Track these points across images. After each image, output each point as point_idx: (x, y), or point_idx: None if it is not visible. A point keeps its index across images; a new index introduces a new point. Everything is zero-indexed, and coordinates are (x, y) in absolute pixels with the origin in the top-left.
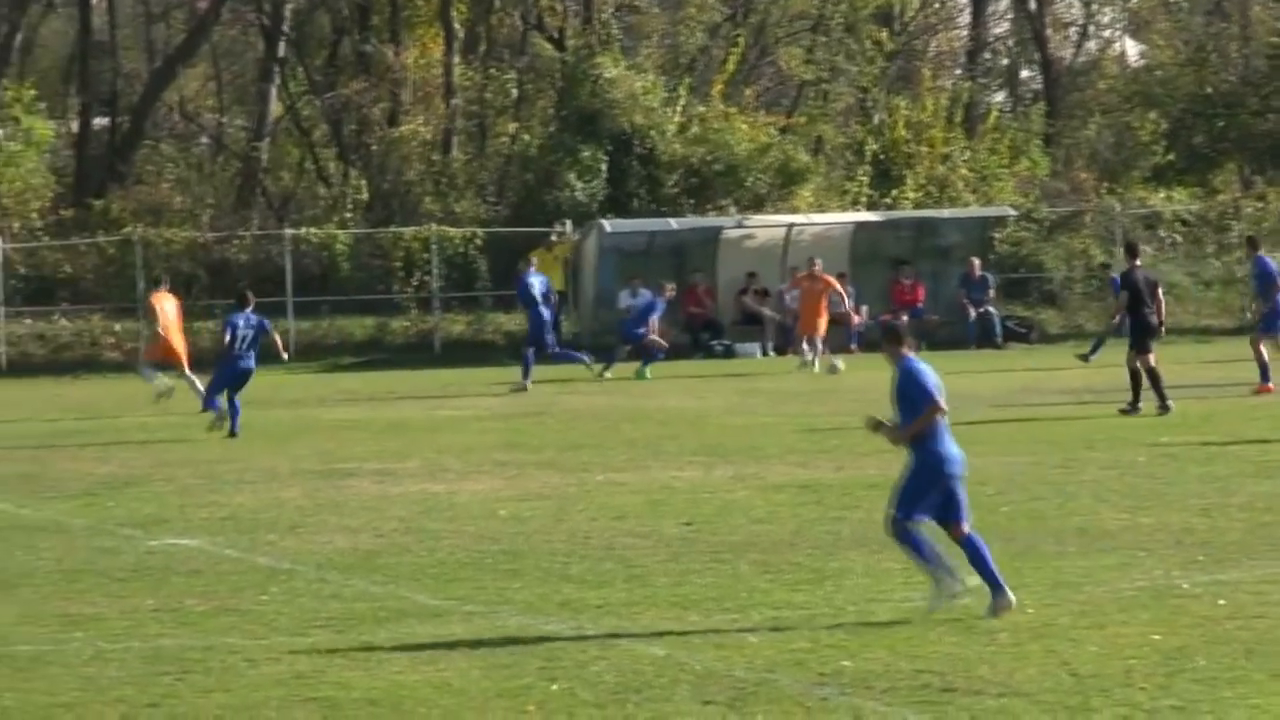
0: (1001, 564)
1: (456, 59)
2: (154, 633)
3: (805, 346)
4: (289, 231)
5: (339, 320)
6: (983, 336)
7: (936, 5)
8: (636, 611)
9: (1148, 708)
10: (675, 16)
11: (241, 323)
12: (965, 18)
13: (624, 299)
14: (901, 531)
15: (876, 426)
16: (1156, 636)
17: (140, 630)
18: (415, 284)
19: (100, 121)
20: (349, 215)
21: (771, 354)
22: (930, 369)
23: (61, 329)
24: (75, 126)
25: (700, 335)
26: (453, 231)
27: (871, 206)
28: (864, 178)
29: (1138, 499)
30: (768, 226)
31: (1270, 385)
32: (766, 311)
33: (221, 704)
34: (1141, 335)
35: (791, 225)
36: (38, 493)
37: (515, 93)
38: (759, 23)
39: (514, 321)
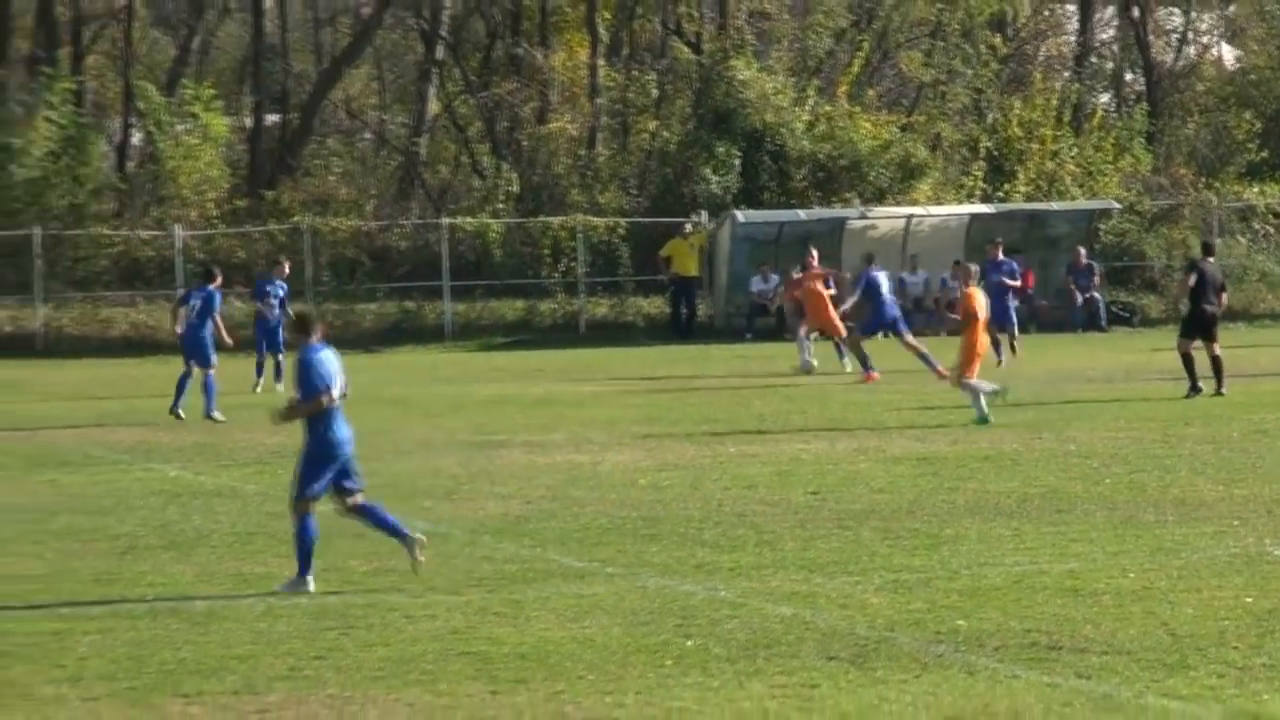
0: (1104, 531)
1: (601, 61)
2: (320, 590)
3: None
4: (446, 221)
5: (491, 303)
6: (1088, 320)
7: (1046, 13)
8: (766, 574)
9: (1240, 665)
10: (804, 22)
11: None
12: (1073, 24)
13: (755, 284)
14: (299, 511)
15: (278, 415)
16: (1249, 599)
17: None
18: (562, 270)
19: (272, 118)
20: (501, 206)
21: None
22: (330, 359)
23: (235, 310)
24: (249, 123)
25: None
26: (597, 221)
27: (985, 199)
28: (978, 172)
29: (1232, 472)
30: (889, 218)
31: None
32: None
33: (382, 657)
34: (1193, 324)
35: (911, 216)
36: (214, 461)
37: (655, 93)
38: (881, 28)
39: (653, 305)
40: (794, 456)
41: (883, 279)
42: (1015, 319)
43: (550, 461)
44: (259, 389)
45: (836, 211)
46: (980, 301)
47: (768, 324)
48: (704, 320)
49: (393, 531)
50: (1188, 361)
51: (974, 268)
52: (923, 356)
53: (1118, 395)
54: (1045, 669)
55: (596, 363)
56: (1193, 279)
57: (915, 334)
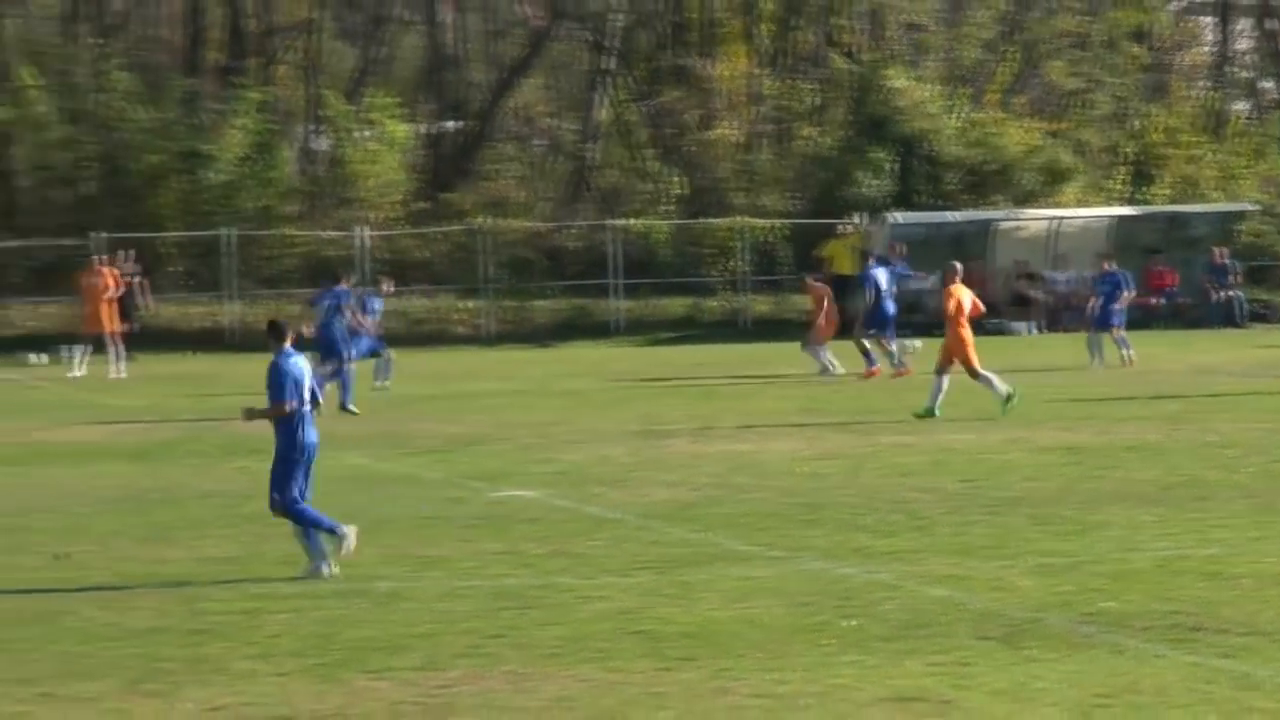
0: (1244, 518)
1: (761, 71)
2: (498, 573)
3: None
4: (615, 222)
5: (658, 300)
6: (1226, 317)
7: (1185, 24)
8: (921, 557)
9: None
10: (955, 33)
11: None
12: (1211, 35)
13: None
14: (291, 510)
15: (248, 414)
16: None
17: (485, 570)
18: (726, 268)
19: (450, 125)
20: (667, 208)
21: (1041, 332)
22: (298, 367)
23: (415, 306)
24: (428, 129)
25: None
26: (758, 222)
27: (1128, 202)
28: (1121, 176)
29: None
30: (1036, 219)
31: None
32: (1036, 294)
33: (558, 635)
34: None
35: (1057, 218)
36: (396, 449)
37: (813, 100)
38: (1028, 39)
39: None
40: (946, 446)
41: (882, 277)
42: (1118, 321)
43: (715, 450)
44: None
45: (986, 213)
46: (960, 299)
47: (919, 320)
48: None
49: (328, 529)
50: None
51: (958, 266)
52: (865, 354)
53: (1256, 389)
54: (1188, 649)
55: (758, 357)
56: None
57: (1063, 331)
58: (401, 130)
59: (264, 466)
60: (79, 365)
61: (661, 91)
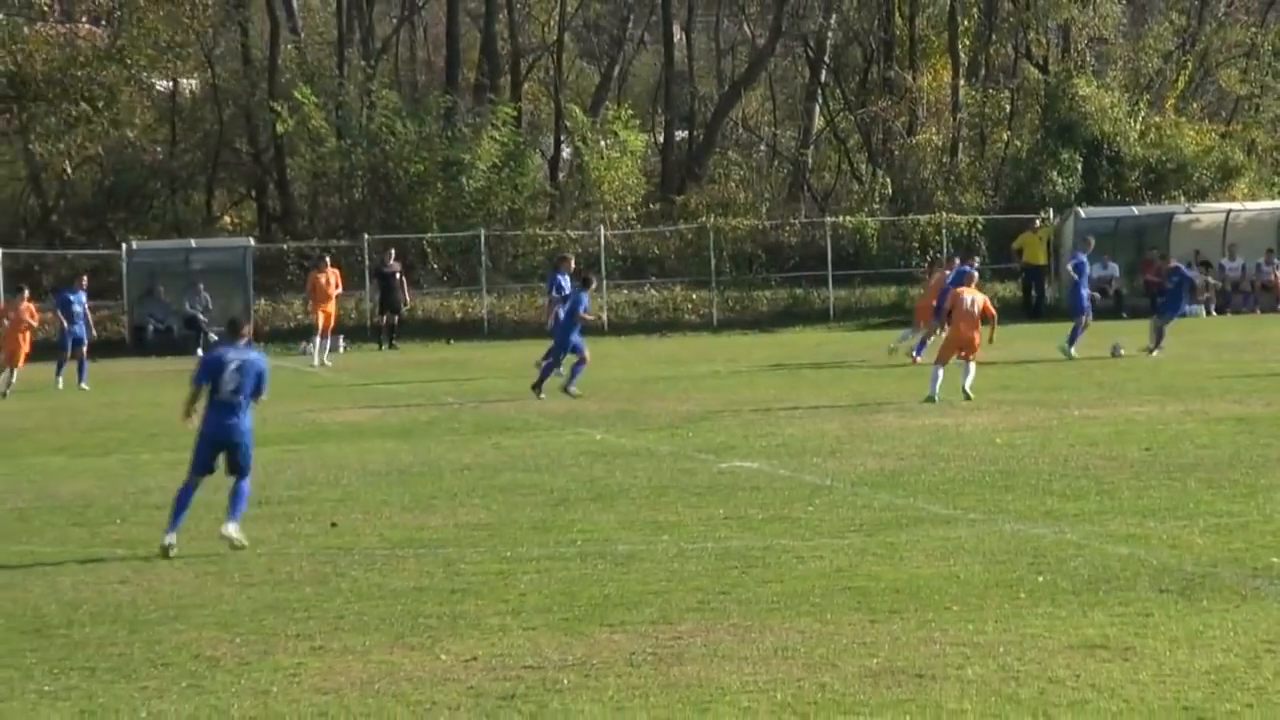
0: None
1: (961, 81)
2: (723, 536)
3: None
4: (829, 219)
5: (869, 289)
6: None
7: None
8: (1106, 518)
9: None
10: (1136, 45)
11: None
12: None
13: (1097, 270)
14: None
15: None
16: None
17: (713, 534)
18: (929, 260)
19: (680, 134)
20: (876, 206)
21: (1214, 313)
22: (234, 359)
23: (650, 297)
24: (661, 138)
25: (1156, 299)
26: (959, 218)
27: None
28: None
29: None
30: (1210, 213)
31: None
32: (1210, 279)
33: (777, 592)
34: None
35: (1229, 211)
36: (633, 426)
37: (1008, 107)
38: (1203, 49)
39: (1007, 290)
40: (1129, 418)
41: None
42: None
43: (919, 424)
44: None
45: (1165, 207)
46: (958, 298)
47: (1106, 304)
48: (1051, 303)
49: (175, 519)
50: None
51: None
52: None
53: None
54: None
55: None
56: None
57: (1233, 312)
58: (637, 139)
59: (514, 442)
60: (320, 356)
61: (871, 101)
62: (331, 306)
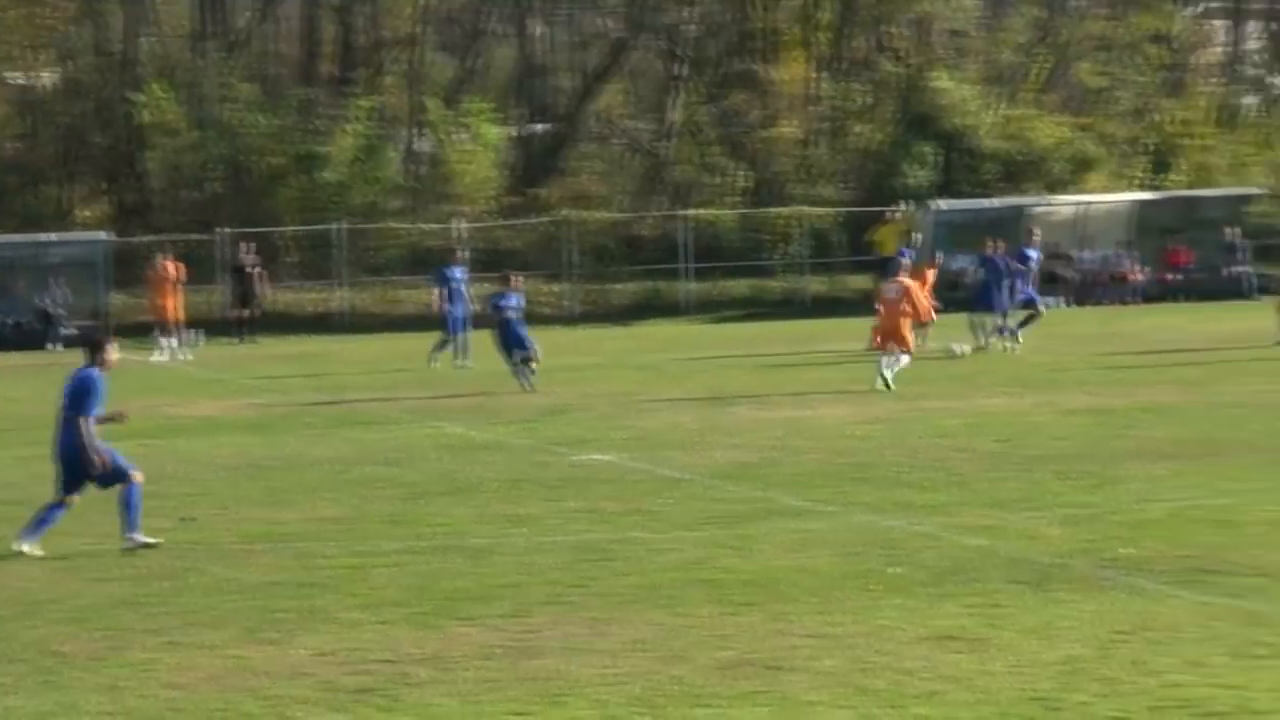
0: (1252, 471)
1: (818, 74)
2: (578, 529)
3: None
4: (686, 212)
5: (725, 282)
6: (1235, 291)
7: (1200, 27)
8: (959, 510)
9: None
10: (993, 37)
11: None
12: (1223, 36)
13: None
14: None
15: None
16: None
17: (567, 527)
18: (786, 253)
19: (538, 127)
20: (733, 199)
21: (1070, 306)
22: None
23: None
24: (519, 132)
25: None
26: (815, 211)
27: (1148, 188)
28: (1142, 165)
29: None
30: (1065, 204)
31: None
32: (1065, 272)
33: (631, 585)
34: None
35: (1085, 203)
36: (488, 419)
37: (865, 100)
38: (1059, 42)
39: (864, 282)
40: (983, 410)
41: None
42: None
43: (774, 416)
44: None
45: (1020, 199)
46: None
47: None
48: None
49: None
50: None
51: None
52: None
53: (1262, 355)
54: (1199, 589)
55: (815, 332)
56: None
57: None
58: (494, 133)
59: (370, 436)
60: (170, 352)
61: (728, 94)
62: (174, 300)
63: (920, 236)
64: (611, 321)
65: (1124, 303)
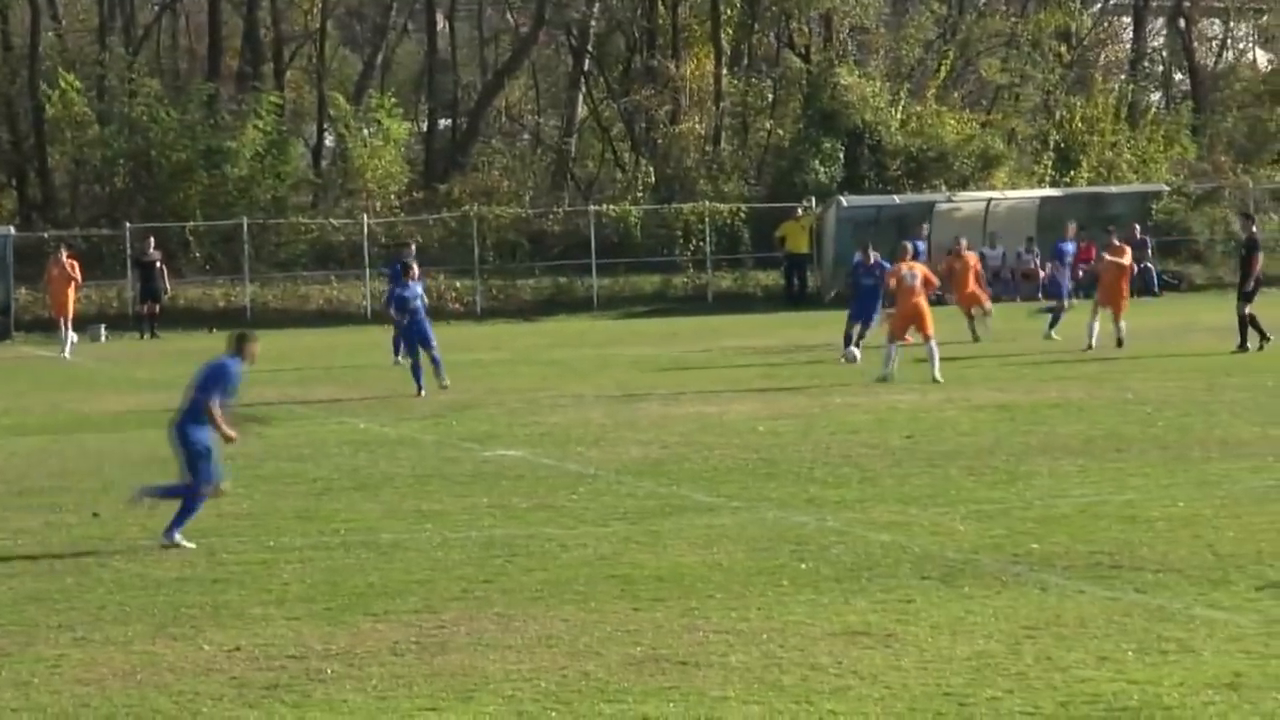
0: (1157, 467)
1: (724, 70)
2: (487, 524)
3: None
4: (593, 208)
5: (632, 277)
6: (1141, 287)
7: (1105, 24)
8: (868, 506)
9: (1276, 581)
10: (898, 34)
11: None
12: (1128, 34)
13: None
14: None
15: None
16: (1268, 525)
17: (476, 523)
18: (692, 248)
19: (444, 122)
20: (640, 194)
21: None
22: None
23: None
24: (425, 127)
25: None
26: (721, 207)
27: (1054, 185)
28: (1047, 162)
29: (1268, 415)
30: (971, 201)
31: None
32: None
33: (540, 580)
34: (1254, 290)
35: (990, 200)
36: (396, 414)
37: (770, 97)
38: (964, 39)
39: (770, 278)
40: (891, 406)
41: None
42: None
43: (683, 412)
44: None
45: (926, 196)
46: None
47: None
48: (813, 291)
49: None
50: (1253, 321)
51: (908, 245)
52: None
53: (1168, 351)
54: (1106, 585)
55: (722, 328)
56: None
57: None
58: (400, 128)
59: (278, 432)
60: (70, 346)
61: (634, 90)
62: (67, 294)
63: (929, 227)
64: (519, 317)
65: (1029, 299)
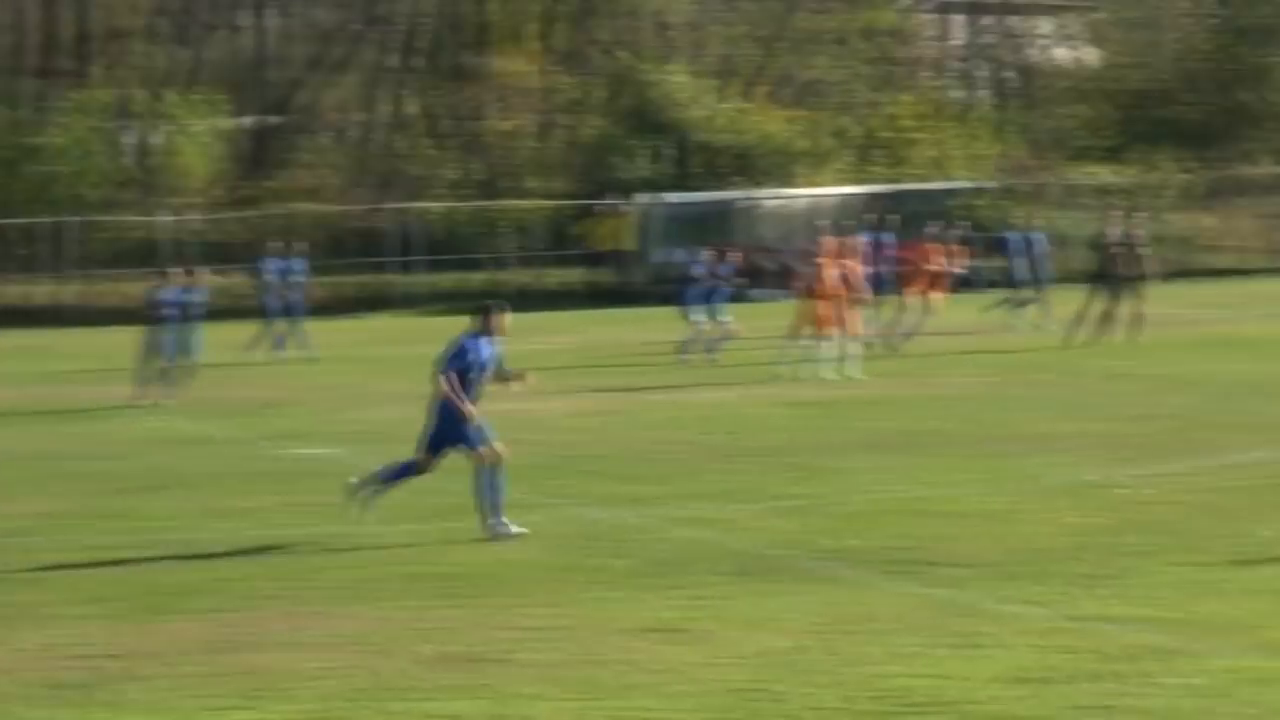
0: (954, 462)
1: (537, 68)
2: (281, 523)
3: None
4: (411, 205)
5: (451, 274)
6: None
7: (913, 21)
8: (677, 503)
9: (1063, 575)
10: (709, 31)
11: None
12: (935, 31)
13: (674, 256)
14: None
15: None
16: (1072, 520)
17: (270, 520)
18: (515, 245)
19: (262, 119)
20: (467, 192)
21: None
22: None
23: (235, 283)
24: (242, 124)
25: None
26: (537, 204)
27: (880, 181)
28: (873, 158)
29: (1061, 410)
30: (783, 197)
31: None
32: (780, 264)
33: (333, 579)
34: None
35: (802, 196)
36: (208, 413)
37: (582, 94)
38: (776, 36)
39: (586, 275)
40: (705, 403)
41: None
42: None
43: (501, 409)
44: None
45: (738, 193)
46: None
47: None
48: (621, 288)
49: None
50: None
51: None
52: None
53: (968, 348)
54: (899, 580)
55: (544, 324)
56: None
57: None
58: (216, 124)
59: (86, 430)
60: None
61: (450, 86)
62: None
63: (884, 218)
64: (340, 314)
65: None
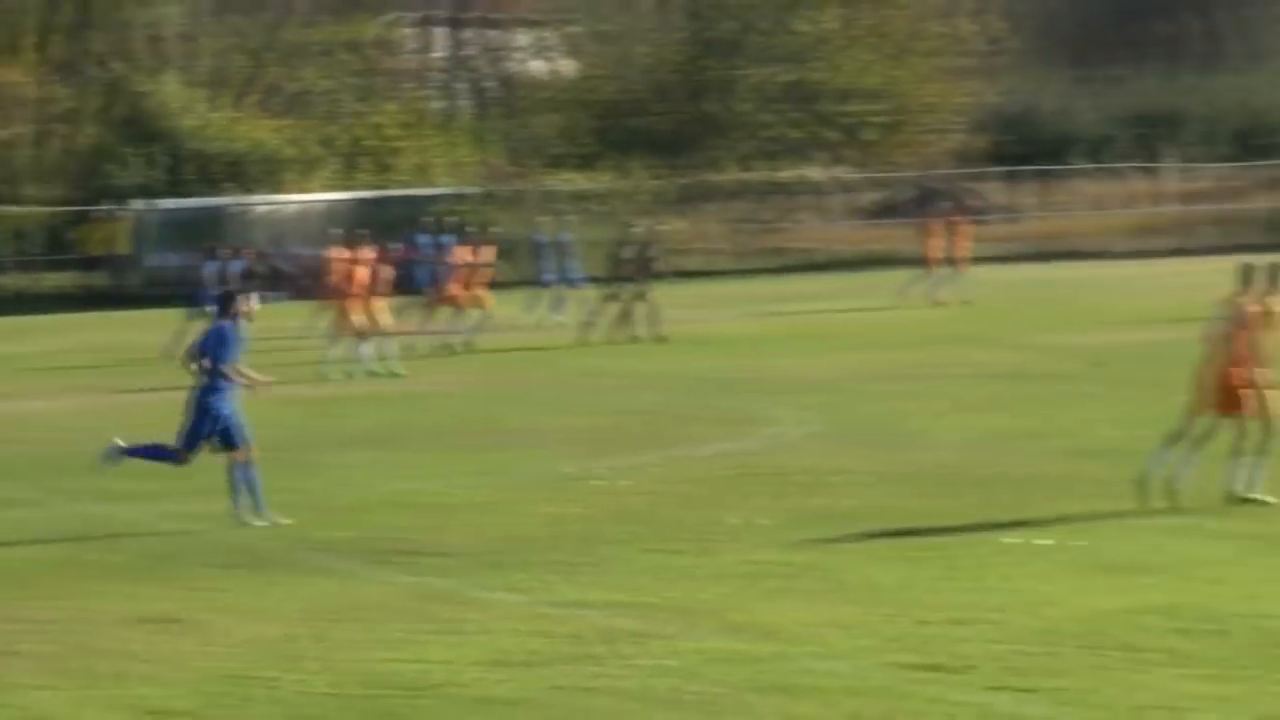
0: (438, 456)
1: (32, 77)
2: None
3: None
4: None
5: None
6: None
7: (394, 34)
8: (167, 498)
9: (540, 563)
10: (202, 43)
11: None
12: (415, 44)
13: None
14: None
15: None
16: (549, 510)
17: None
18: (11, 250)
19: None
20: None
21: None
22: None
23: None
24: None
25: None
26: (27, 210)
27: (368, 188)
28: (342, 166)
29: (542, 407)
30: (273, 203)
31: None
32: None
33: None
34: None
35: (306, 201)
36: None
37: (74, 103)
38: (263, 46)
39: (79, 279)
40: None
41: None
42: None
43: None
44: None
45: (239, 199)
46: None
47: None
48: (116, 291)
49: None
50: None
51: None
52: None
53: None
54: (384, 569)
55: (36, 327)
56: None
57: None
58: None
59: None
60: None
61: None
62: None
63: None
64: None
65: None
